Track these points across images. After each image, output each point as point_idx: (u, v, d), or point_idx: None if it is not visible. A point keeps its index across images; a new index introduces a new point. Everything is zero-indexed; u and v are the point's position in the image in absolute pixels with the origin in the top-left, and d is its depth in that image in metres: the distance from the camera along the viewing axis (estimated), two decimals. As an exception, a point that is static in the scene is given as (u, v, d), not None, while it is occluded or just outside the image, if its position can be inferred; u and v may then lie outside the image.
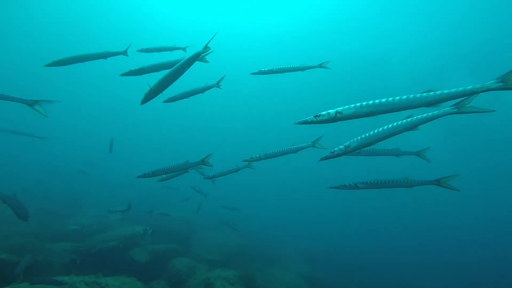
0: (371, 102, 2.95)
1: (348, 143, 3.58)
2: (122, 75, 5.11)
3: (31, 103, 3.79)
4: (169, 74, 4.34)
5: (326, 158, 3.65)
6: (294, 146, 5.83)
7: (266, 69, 6.37)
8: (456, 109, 3.02)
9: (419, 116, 3.35)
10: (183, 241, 11.16)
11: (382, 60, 26.95)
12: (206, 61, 5.27)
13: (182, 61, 4.32)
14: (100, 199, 13.91)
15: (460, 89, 2.77)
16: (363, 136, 3.54)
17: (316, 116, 3.04)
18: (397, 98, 2.89)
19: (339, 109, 3.01)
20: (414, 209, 22.07)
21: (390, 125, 3.42)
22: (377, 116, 3.04)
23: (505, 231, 20.51)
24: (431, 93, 2.82)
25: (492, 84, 2.66)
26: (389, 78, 26.40)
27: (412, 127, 3.40)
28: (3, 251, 6.54)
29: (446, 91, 2.79)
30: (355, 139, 3.53)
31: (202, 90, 6.13)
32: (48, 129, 16.99)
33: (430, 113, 3.26)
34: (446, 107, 3.08)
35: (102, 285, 5.23)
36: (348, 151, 3.55)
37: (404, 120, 3.40)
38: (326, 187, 4.95)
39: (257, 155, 5.83)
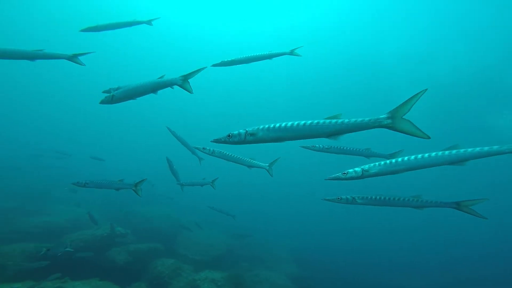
0: (277, 125, 2.71)
1: (367, 166, 3.21)
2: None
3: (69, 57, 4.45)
4: (140, 86, 3.89)
5: (335, 178, 3.34)
6: (250, 160, 5.50)
7: (228, 59, 5.80)
8: None
9: (468, 150, 2.83)
10: (167, 240, 10.31)
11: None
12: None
13: (160, 80, 3.92)
14: (70, 195, 12.33)
15: (359, 119, 2.50)
16: (387, 162, 3.14)
17: (229, 136, 2.86)
18: (302, 123, 2.63)
19: (249, 130, 2.78)
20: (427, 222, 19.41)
21: (425, 155, 2.97)
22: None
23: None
24: (333, 121, 2.56)
25: (384, 120, 2.42)
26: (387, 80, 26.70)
27: (457, 161, 2.89)
28: None
29: (346, 120, 2.53)
30: (377, 163, 3.17)
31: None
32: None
33: (486, 148, 2.80)
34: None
35: (68, 292, 4.37)
36: (365, 176, 3.19)
37: (447, 152, 2.91)
38: (320, 199, 4.51)
39: (211, 149, 5.34)
